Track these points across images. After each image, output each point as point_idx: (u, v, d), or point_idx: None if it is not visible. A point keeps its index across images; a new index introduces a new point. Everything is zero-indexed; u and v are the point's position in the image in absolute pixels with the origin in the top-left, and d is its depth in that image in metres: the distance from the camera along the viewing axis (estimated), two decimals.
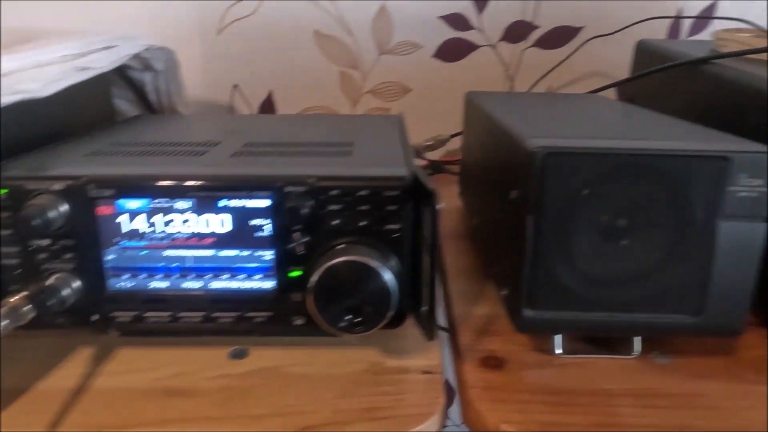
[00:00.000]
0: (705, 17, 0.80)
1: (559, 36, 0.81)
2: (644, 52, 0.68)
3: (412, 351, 0.42)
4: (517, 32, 0.81)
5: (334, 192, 0.35)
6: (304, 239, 0.36)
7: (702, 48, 0.61)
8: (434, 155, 0.80)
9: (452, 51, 0.82)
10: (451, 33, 0.81)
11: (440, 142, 0.79)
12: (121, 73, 0.67)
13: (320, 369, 0.40)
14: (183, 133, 0.49)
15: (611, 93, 0.70)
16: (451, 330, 0.45)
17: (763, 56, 0.52)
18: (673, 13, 0.81)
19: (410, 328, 0.41)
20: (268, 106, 0.85)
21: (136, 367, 0.40)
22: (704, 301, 0.36)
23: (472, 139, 0.57)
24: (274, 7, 0.79)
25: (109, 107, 0.66)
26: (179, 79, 0.71)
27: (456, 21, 0.80)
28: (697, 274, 0.36)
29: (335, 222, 0.36)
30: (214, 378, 0.40)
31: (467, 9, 0.80)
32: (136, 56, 0.64)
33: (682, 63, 0.55)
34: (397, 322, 0.37)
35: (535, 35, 0.81)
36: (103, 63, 0.55)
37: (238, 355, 0.41)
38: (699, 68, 0.55)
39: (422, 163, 0.78)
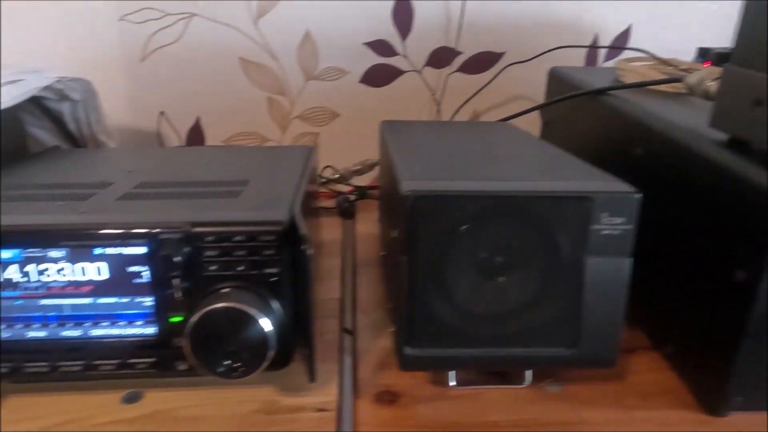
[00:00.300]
0: (610, 47, 0.83)
1: (482, 61, 0.83)
2: (555, 79, 0.70)
3: (309, 388, 0.42)
4: (441, 58, 0.83)
5: (210, 238, 0.35)
6: (183, 285, 0.36)
7: (607, 77, 0.64)
8: (363, 180, 0.81)
9: (378, 76, 0.83)
10: (377, 59, 0.82)
11: (368, 167, 0.80)
12: (37, 103, 0.66)
13: (214, 410, 0.40)
14: (80, 173, 0.48)
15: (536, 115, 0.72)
16: (353, 363, 0.45)
17: (662, 87, 0.55)
18: (590, 39, 0.83)
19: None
20: (196, 132, 0.85)
21: (25, 415, 0.39)
22: (578, 334, 0.37)
23: (382, 168, 0.58)
24: (198, 34, 0.79)
25: (18, 140, 0.64)
26: (99, 109, 0.70)
27: (381, 47, 0.81)
28: (570, 308, 0.37)
29: (213, 267, 0.36)
30: (105, 424, 0.39)
31: (391, 36, 0.81)
32: (49, 87, 0.63)
33: (575, 95, 0.57)
34: (281, 363, 0.38)
35: (459, 61, 0.83)
36: (6, 98, 0.54)
37: (132, 398, 0.41)
38: (596, 98, 0.57)
39: (348, 188, 0.79)
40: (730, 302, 0.37)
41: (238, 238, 0.35)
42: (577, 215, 0.35)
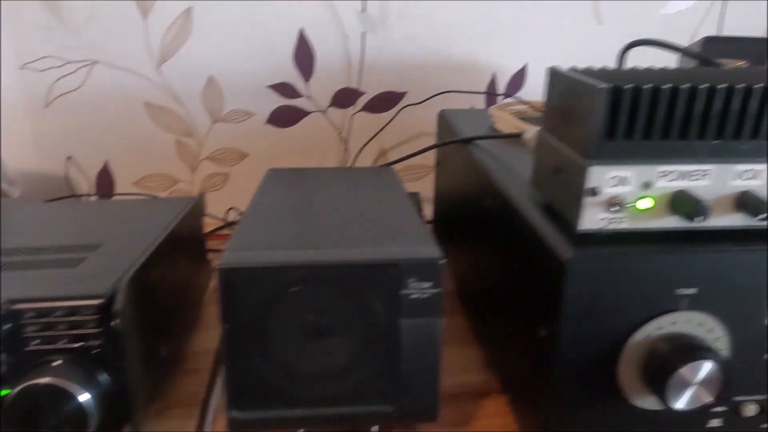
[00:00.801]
0: (486, 92, 0.86)
1: (385, 101, 0.86)
2: (443, 121, 0.72)
3: None
4: (344, 98, 0.85)
5: (30, 314, 0.36)
6: (9, 360, 0.37)
7: (486, 122, 0.66)
8: None
9: (284, 117, 0.85)
10: (282, 101, 0.84)
11: None
12: None
13: None
14: None
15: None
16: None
17: (530, 137, 0.57)
18: (488, 77, 0.86)
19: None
20: (104, 176, 0.85)
21: None
22: (398, 391, 0.39)
23: None
24: (101, 80, 0.80)
25: None
26: None
27: (284, 90, 0.83)
28: (389, 368, 0.39)
29: (36, 342, 0.37)
30: None
31: (294, 78, 0.83)
32: None
33: (436, 145, 0.60)
34: None
35: (362, 101, 0.85)
36: None
37: None
38: (465, 145, 0.59)
39: None
40: (538, 355, 0.39)
41: (58, 312, 0.36)
42: (387, 281, 0.37)
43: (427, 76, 0.85)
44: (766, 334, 0.39)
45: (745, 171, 0.36)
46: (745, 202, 0.36)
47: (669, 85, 0.33)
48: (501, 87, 0.87)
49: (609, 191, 0.35)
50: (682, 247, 0.36)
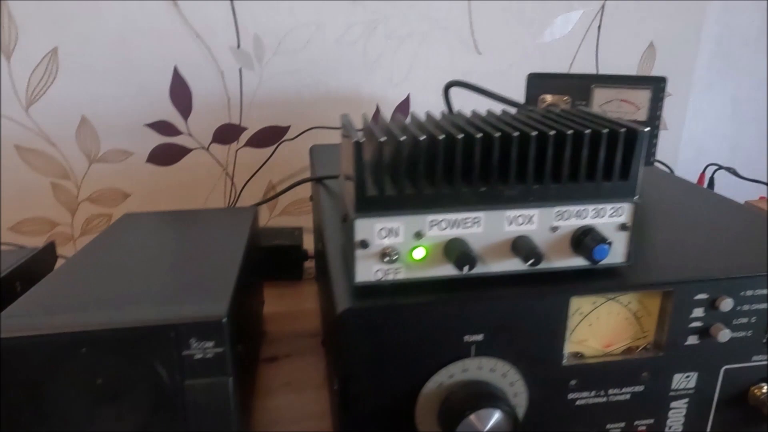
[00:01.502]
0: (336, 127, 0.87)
1: (268, 136, 0.85)
2: (312, 156, 0.72)
3: None
4: (226, 134, 0.84)
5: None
6: None
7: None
8: None
9: (165, 156, 0.83)
10: (161, 139, 0.82)
11: None
12: None
13: None
14: None
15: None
16: None
17: None
18: (373, 108, 0.87)
19: None
20: None
21: None
22: None
23: None
24: None
25: None
26: None
27: (163, 128, 0.82)
28: (180, 430, 0.37)
29: None
30: None
31: (172, 116, 0.81)
32: None
33: (284, 190, 0.59)
34: None
35: (245, 136, 0.84)
36: None
37: None
38: (319, 183, 0.59)
39: None
40: (337, 407, 0.38)
41: None
42: (168, 343, 0.36)
43: (310, 110, 0.85)
44: (564, 376, 0.39)
45: (517, 216, 0.36)
46: (517, 248, 0.36)
47: (424, 137, 0.33)
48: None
49: (380, 243, 0.35)
50: (460, 295, 0.36)
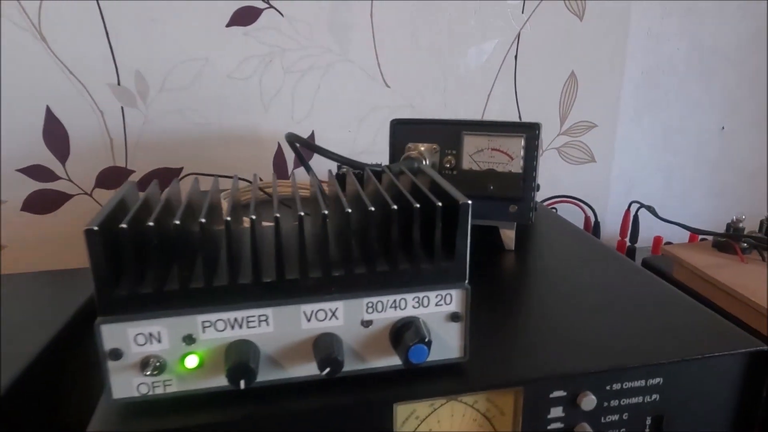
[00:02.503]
0: (226, 176, 0.80)
1: (161, 177, 0.78)
2: None
3: None
4: (111, 178, 0.76)
5: None
6: None
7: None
8: None
9: (42, 203, 0.75)
10: (37, 185, 0.74)
11: None
12: None
13: None
14: None
15: None
16: None
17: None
18: (274, 147, 0.80)
19: None
20: None
21: None
22: None
23: None
24: None
25: None
26: None
27: (38, 173, 0.74)
28: None
29: None
30: None
31: (48, 160, 0.74)
32: None
33: None
34: None
35: (134, 179, 0.77)
36: None
37: None
38: None
39: None
40: None
41: None
42: None
43: (204, 151, 0.78)
44: None
45: (316, 311, 0.29)
46: (317, 350, 0.29)
47: (177, 222, 0.26)
48: (290, 156, 0.81)
49: (138, 351, 0.28)
50: (245, 412, 0.29)
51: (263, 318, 0.28)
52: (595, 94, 0.88)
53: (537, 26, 0.82)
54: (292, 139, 0.40)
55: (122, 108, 0.74)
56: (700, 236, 0.69)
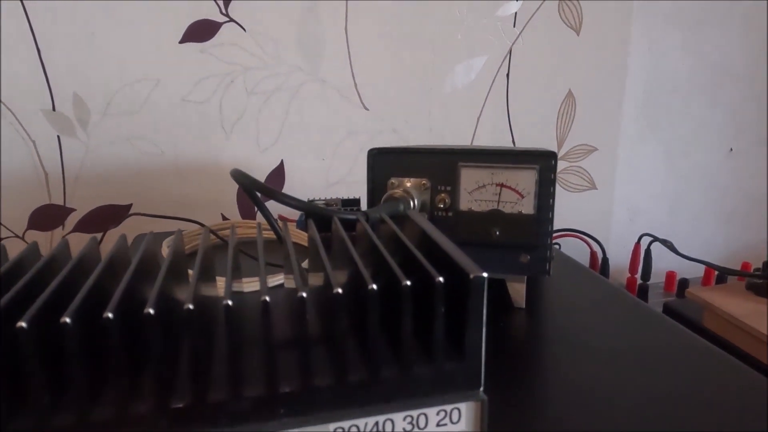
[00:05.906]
0: (180, 218, 0.71)
1: (105, 217, 0.67)
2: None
3: None
4: (46, 218, 0.66)
5: None
6: None
7: None
8: None
9: None
10: None
11: None
12: None
13: None
14: None
15: None
16: None
17: None
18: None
19: None
20: None
21: None
22: None
23: None
24: None
25: None
26: None
27: None
28: None
29: None
30: None
31: None
32: None
33: None
34: None
35: (73, 218, 0.66)
36: None
37: None
38: None
39: None
40: None
41: None
42: None
43: (158, 184, 0.68)
44: None
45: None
46: None
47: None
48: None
49: None
50: None
51: None
52: (594, 115, 0.80)
53: (530, 41, 0.75)
54: (239, 179, 0.31)
55: (58, 137, 0.64)
56: (727, 275, 0.61)
